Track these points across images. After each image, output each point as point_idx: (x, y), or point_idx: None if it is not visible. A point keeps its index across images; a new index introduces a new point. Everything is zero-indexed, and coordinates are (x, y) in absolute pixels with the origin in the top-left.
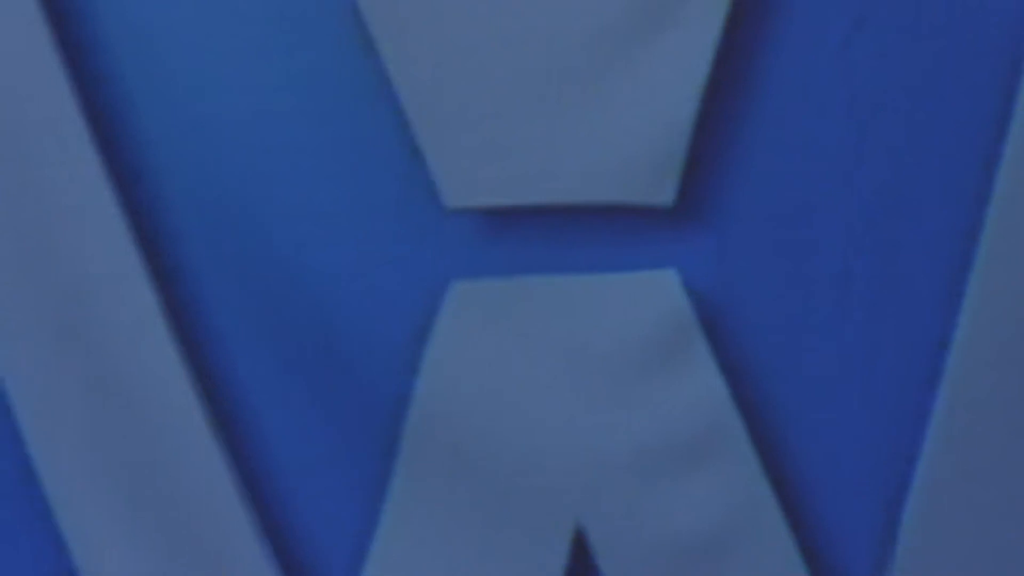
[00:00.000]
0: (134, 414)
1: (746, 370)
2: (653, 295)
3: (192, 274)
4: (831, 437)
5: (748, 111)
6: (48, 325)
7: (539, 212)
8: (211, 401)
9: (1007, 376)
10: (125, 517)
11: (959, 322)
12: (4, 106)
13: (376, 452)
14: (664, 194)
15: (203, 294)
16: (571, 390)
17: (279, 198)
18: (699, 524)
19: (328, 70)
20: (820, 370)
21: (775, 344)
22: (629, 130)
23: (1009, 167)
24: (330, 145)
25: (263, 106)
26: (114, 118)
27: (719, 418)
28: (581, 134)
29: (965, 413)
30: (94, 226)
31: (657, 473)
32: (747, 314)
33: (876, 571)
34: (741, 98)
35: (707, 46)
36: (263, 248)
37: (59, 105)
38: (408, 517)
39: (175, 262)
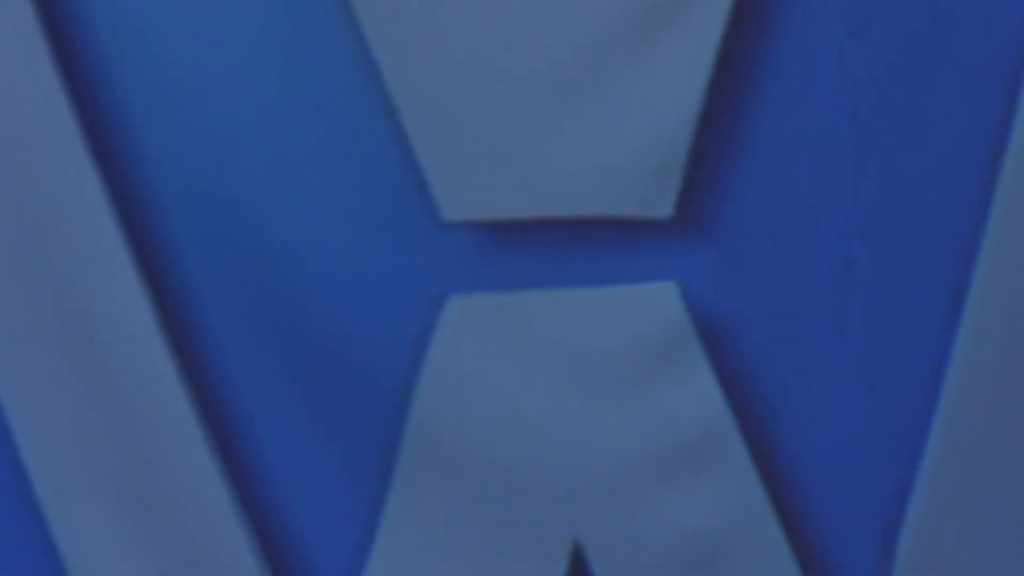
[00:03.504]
0: (130, 425)
1: (744, 380)
2: (652, 308)
3: (191, 288)
4: (829, 446)
5: (746, 122)
6: (44, 333)
7: (538, 225)
8: (210, 412)
9: (1009, 390)
10: (120, 526)
11: (959, 334)
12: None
13: (374, 464)
14: (663, 206)
15: (202, 308)
16: (569, 403)
17: (278, 212)
18: (696, 533)
19: (328, 86)
20: (818, 380)
21: (773, 354)
22: (627, 142)
23: (1011, 169)
24: (329, 159)
25: (263, 122)
26: (114, 137)
27: (716, 428)
28: (580, 147)
29: (967, 422)
30: (91, 238)
31: (654, 483)
32: (746, 325)
33: (875, 570)
34: (739, 109)
35: (705, 59)
36: (262, 262)
37: (57, 117)
38: (405, 531)
39: (173, 274)
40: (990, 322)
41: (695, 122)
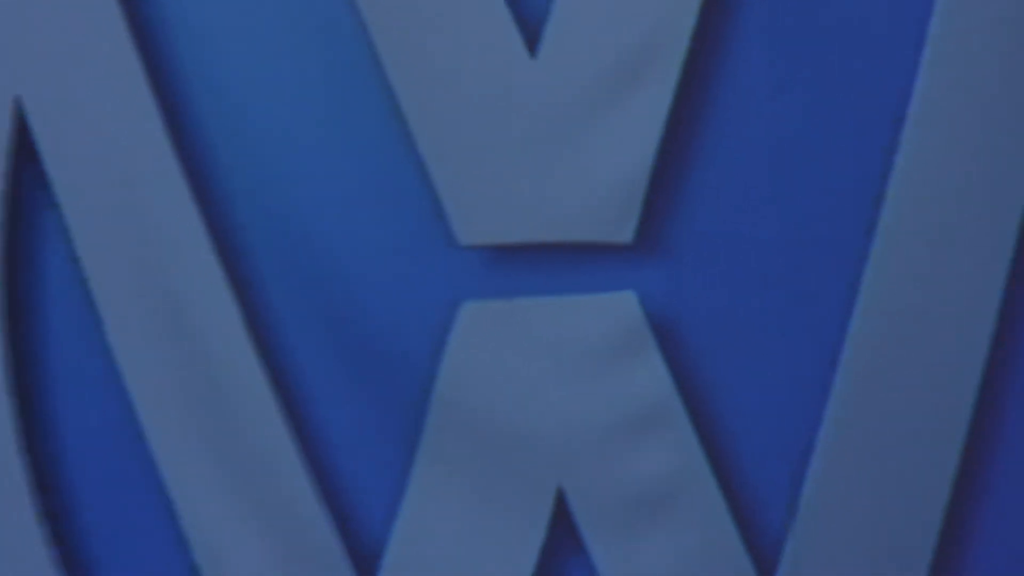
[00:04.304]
0: (223, 404)
1: (687, 368)
2: (617, 312)
3: (269, 302)
4: (751, 417)
5: (692, 166)
6: (155, 331)
7: (531, 247)
8: (285, 397)
9: (894, 368)
10: (214, 478)
11: (851, 327)
12: (110, 152)
13: (404, 433)
14: (625, 233)
15: (277, 318)
16: (554, 384)
17: (330, 239)
18: (651, 482)
19: (366, 134)
20: (743, 367)
21: (709, 348)
22: (597, 183)
23: (895, 188)
24: (366, 197)
25: (321, 168)
26: (206, 174)
27: (666, 403)
28: (562, 188)
29: (855, 403)
30: (194, 264)
31: (620, 444)
32: (689, 326)
33: (785, 516)
34: (686, 156)
35: (659, 118)
36: (317, 277)
37: (159, 156)
38: (428, 484)
39: (255, 294)
40: (876, 323)
41: (651, 168)
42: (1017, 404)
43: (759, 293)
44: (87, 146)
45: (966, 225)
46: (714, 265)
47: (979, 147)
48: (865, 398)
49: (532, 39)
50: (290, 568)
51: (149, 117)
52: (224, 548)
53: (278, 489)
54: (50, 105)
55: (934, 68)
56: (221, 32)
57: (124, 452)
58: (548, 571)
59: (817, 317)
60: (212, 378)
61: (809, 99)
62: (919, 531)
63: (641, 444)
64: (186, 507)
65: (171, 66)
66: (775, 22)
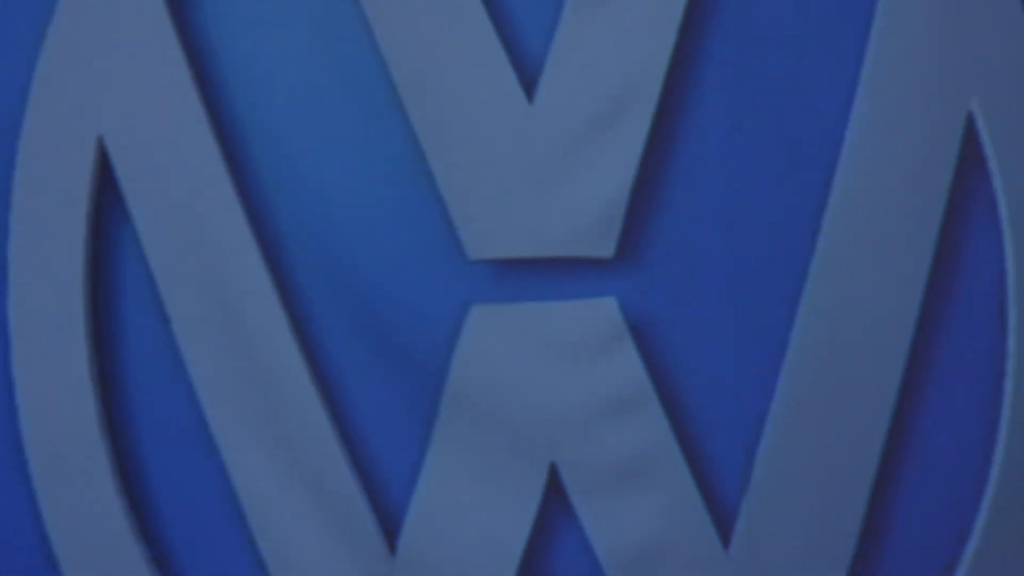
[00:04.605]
0: (271, 394)
1: (659, 362)
2: (600, 315)
3: (309, 311)
4: (712, 403)
5: (663, 193)
6: (214, 334)
7: (530, 260)
8: (322, 388)
9: (829, 365)
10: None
11: (794, 327)
12: (176, 182)
13: (422, 417)
14: (607, 248)
15: (316, 321)
16: (548, 375)
17: (362, 254)
18: (629, 458)
19: (392, 168)
20: (705, 361)
21: (677, 345)
22: (584, 207)
23: (831, 212)
24: (392, 219)
25: (354, 194)
26: (256, 199)
27: (641, 392)
28: (554, 210)
29: (798, 390)
30: (246, 275)
31: (603, 424)
32: (661, 327)
33: (740, 485)
34: (658, 184)
35: (635, 152)
36: (349, 285)
37: (217, 186)
38: (442, 459)
39: (296, 303)
40: (815, 327)
41: (629, 193)
42: (932, 395)
43: (719, 299)
44: (157, 176)
45: (890, 241)
46: (682, 275)
47: (901, 175)
48: (805, 387)
49: (529, 88)
50: (327, 529)
51: (209, 154)
52: (273, 514)
53: (318, 465)
54: (127, 142)
55: (863, 110)
56: (265, 75)
57: (190, 436)
58: (543, 532)
59: (766, 320)
60: (262, 373)
61: (758, 137)
62: (849, 499)
63: (620, 426)
64: (241, 478)
65: (227, 109)
66: (731, 75)
